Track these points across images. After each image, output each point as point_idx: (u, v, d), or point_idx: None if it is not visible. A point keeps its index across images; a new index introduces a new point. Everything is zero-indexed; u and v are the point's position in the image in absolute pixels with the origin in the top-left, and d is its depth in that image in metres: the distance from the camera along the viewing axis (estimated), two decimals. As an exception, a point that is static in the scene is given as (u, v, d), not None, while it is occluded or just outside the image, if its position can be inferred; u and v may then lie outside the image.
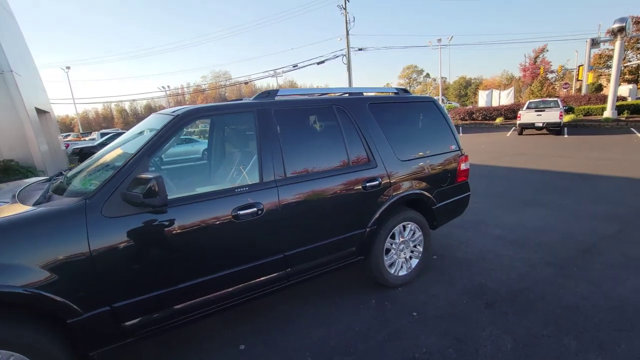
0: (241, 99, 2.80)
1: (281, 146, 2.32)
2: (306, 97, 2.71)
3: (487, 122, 22.10)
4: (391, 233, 2.88)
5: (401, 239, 2.98)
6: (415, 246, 3.12)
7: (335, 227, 2.54)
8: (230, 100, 3.05)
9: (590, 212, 4.77)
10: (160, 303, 1.92)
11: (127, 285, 1.81)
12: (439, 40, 31.69)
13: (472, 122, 22.86)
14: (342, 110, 2.68)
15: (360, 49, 29.82)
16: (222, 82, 54.78)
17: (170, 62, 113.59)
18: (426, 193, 3.02)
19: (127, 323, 1.84)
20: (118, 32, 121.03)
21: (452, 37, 32.04)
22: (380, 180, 2.70)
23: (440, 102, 3.44)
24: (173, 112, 2.18)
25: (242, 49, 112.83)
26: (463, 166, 3.34)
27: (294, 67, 31.51)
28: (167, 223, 1.87)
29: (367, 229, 2.69)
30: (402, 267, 3.05)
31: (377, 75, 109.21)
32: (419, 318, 2.58)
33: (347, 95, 2.90)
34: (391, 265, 2.98)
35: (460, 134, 18.29)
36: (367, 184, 2.62)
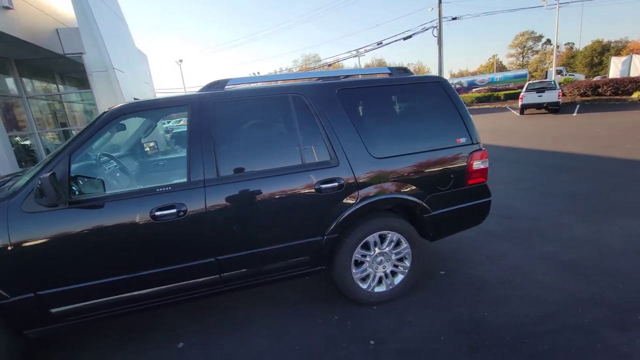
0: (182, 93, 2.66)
1: (214, 143, 2.13)
2: (260, 86, 2.41)
3: (619, 97, 17.39)
4: (363, 243, 2.45)
5: (378, 250, 2.51)
6: (400, 260, 2.60)
7: (279, 234, 2.26)
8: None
9: None
10: (85, 295, 2.00)
11: (48, 276, 1.93)
12: (558, -4, 25.82)
13: (597, 98, 18.26)
14: (299, 99, 2.32)
15: (454, 18, 26.56)
16: (310, 65, 55.93)
17: (263, 48, 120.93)
18: (412, 198, 2.45)
19: (54, 310, 1.98)
20: (212, 27, 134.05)
21: (577, -9, 25.71)
22: (342, 181, 2.28)
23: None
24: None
25: (331, 29, 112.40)
26: (477, 164, 2.60)
27: (378, 44, 30.07)
28: (78, 221, 1.91)
29: (325, 237, 2.33)
30: (380, 282, 2.59)
31: (479, 48, 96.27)
32: (374, 349, 2.16)
33: (315, 81, 2.51)
34: (364, 279, 2.55)
35: (574, 114, 14.91)
36: (323, 186, 2.24)
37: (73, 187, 1.98)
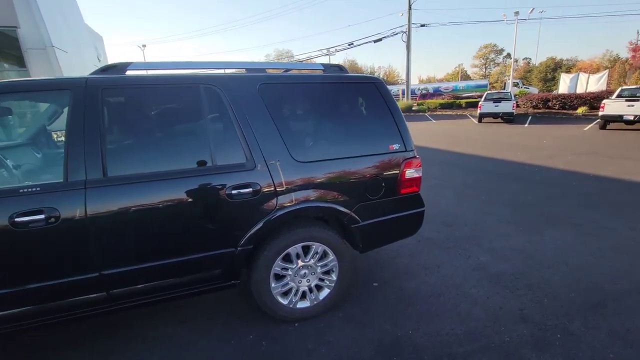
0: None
1: (101, 137, 1.80)
2: (167, 74, 2.09)
3: (565, 111, 18.64)
4: (284, 254, 2.22)
5: (301, 263, 2.30)
6: (327, 273, 2.41)
7: (183, 245, 1.98)
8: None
9: (640, 245, 3.42)
10: None
11: None
12: (517, 13, 27.31)
13: (547, 111, 19.46)
14: (212, 91, 2.04)
15: (422, 25, 27.22)
16: (278, 60, 55.07)
17: (233, 40, 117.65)
18: (339, 207, 2.26)
19: None
20: (184, 13, 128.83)
21: (533, 9, 27.34)
22: (258, 186, 2.04)
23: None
24: None
25: (306, 25, 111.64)
26: (410, 173, 2.46)
27: (349, 45, 30.17)
28: None
29: (238, 249, 2.07)
30: (304, 297, 2.38)
31: (447, 57, 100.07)
32: (284, 375, 1.94)
33: (235, 72, 2.24)
34: (286, 294, 2.33)
35: (526, 125, 15.76)
36: (234, 191, 1.99)
37: None
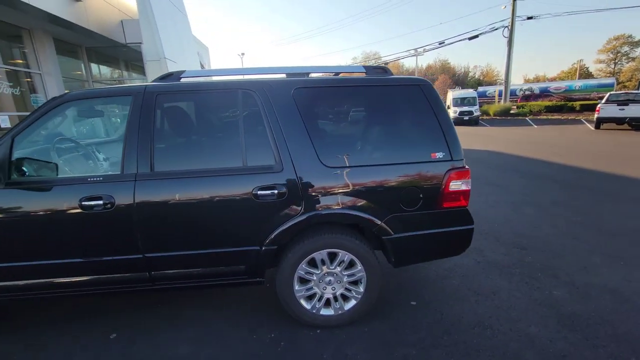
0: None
1: (153, 136, 2.06)
2: (211, 80, 2.27)
3: None
4: (309, 259, 2.21)
5: (326, 270, 2.26)
6: (354, 283, 2.32)
7: (212, 238, 2.13)
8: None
9: None
10: (13, 275, 2.07)
11: None
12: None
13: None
14: (249, 95, 2.15)
15: (529, 18, 24.06)
16: (363, 63, 54.80)
17: (322, 45, 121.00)
18: (367, 216, 2.15)
19: None
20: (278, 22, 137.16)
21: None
22: (283, 189, 2.07)
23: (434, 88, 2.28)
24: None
25: (394, 26, 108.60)
26: (455, 185, 2.20)
27: (440, 44, 28.48)
28: (11, 202, 1.96)
29: (263, 248, 2.14)
30: (328, 305, 2.34)
31: (562, 52, 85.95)
32: (292, 380, 1.93)
33: (273, 77, 2.30)
34: (310, 298, 2.32)
35: (664, 133, 12.59)
36: (260, 192, 2.06)
37: (24, 169, 2.05)
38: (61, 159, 2.40)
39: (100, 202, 1.98)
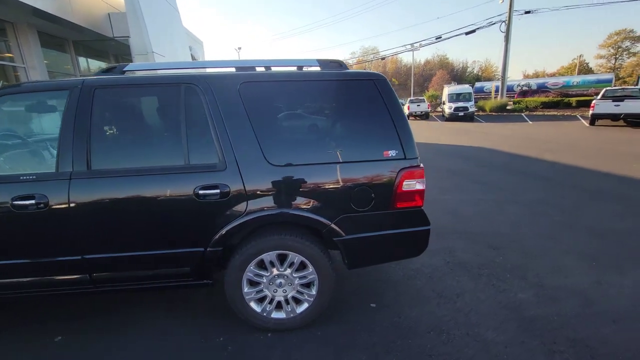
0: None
1: (90, 133, 1.96)
2: (153, 74, 2.16)
3: None
4: (257, 260, 2.13)
5: (276, 272, 2.18)
6: (306, 286, 2.24)
7: (153, 239, 2.04)
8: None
9: None
10: None
11: None
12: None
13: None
14: (192, 90, 2.05)
15: (527, 12, 23.79)
16: (362, 58, 54.36)
17: (320, 39, 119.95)
18: (316, 216, 2.07)
19: None
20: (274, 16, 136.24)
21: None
22: (227, 188, 1.98)
23: (389, 83, 2.18)
24: None
25: (392, 20, 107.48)
26: (408, 184, 2.11)
27: (437, 38, 28.22)
28: None
29: (208, 249, 2.06)
30: (279, 307, 2.26)
31: (562, 47, 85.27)
32: (232, 387, 1.86)
33: (222, 71, 2.20)
34: (261, 301, 2.24)
35: (658, 130, 12.47)
36: (202, 192, 1.97)
37: None
38: (2, 156, 2.30)
39: (33, 201, 1.89)
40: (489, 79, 43.65)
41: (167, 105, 2.12)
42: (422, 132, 15.82)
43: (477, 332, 2.24)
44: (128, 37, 10.30)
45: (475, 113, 21.90)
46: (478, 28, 25.16)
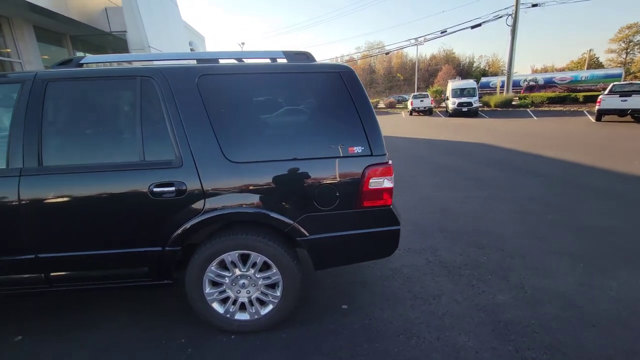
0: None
1: (42, 127, 1.90)
2: (110, 67, 2.09)
3: None
4: (218, 260, 2.06)
5: (238, 272, 2.10)
6: (270, 287, 2.16)
7: (108, 238, 1.98)
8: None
9: None
10: None
11: None
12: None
13: None
14: (149, 84, 1.97)
15: (534, 5, 23.27)
16: (367, 52, 53.77)
17: (326, 33, 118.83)
18: (277, 215, 1.98)
19: None
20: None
21: None
22: (183, 186, 1.91)
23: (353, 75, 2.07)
24: None
25: (400, 13, 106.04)
26: (375, 182, 2.01)
27: (442, 32, 27.76)
28: None
29: (166, 249, 1.99)
30: (244, 308, 2.19)
31: (571, 41, 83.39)
32: (184, 392, 1.79)
33: (178, 63, 2.11)
34: (224, 301, 2.17)
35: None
36: (156, 189, 1.89)
37: None
38: None
39: (-18, 198, 1.84)
40: (496, 74, 42.98)
41: (122, 99, 2.05)
42: (423, 129, 15.63)
43: (448, 336, 2.15)
44: (125, 31, 10.26)
45: (480, 109, 21.55)
46: (484, 22, 24.69)
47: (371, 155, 2.00)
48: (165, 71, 1.98)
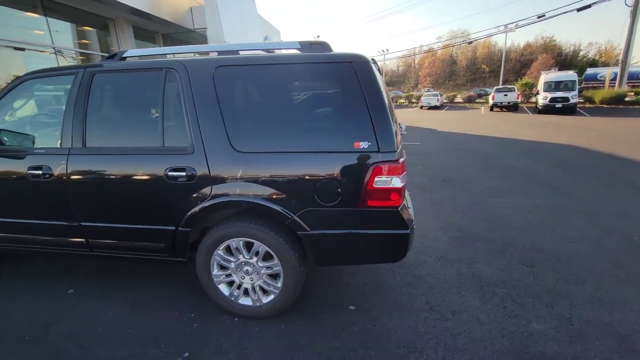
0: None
1: (86, 114, 2.19)
2: (144, 60, 2.28)
3: None
4: (225, 245, 2.15)
5: (242, 259, 2.17)
6: (272, 277, 2.19)
7: (133, 214, 2.21)
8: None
9: None
10: None
11: None
12: None
13: None
14: (172, 75, 2.11)
15: (667, -22, 18.87)
16: (449, 42, 49.80)
17: (409, 21, 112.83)
18: (276, 207, 1.98)
19: None
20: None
21: None
22: (193, 171, 2.02)
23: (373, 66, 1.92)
24: None
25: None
26: (381, 181, 1.86)
27: (539, 17, 24.44)
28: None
29: (178, 229, 2.15)
30: (247, 294, 2.25)
31: None
32: (180, 362, 1.93)
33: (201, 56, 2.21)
34: (230, 284, 2.27)
35: None
36: (170, 173, 2.04)
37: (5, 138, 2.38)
38: (38, 132, 2.72)
39: (39, 171, 2.20)
40: (607, 65, 36.28)
41: (151, 89, 2.24)
42: (501, 126, 14.04)
43: (456, 359, 1.92)
44: (205, 28, 11.23)
45: (579, 105, 18.48)
46: (595, 3, 20.96)
47: (378, 151, 1.86)
48: (187, 63, 2.10)
